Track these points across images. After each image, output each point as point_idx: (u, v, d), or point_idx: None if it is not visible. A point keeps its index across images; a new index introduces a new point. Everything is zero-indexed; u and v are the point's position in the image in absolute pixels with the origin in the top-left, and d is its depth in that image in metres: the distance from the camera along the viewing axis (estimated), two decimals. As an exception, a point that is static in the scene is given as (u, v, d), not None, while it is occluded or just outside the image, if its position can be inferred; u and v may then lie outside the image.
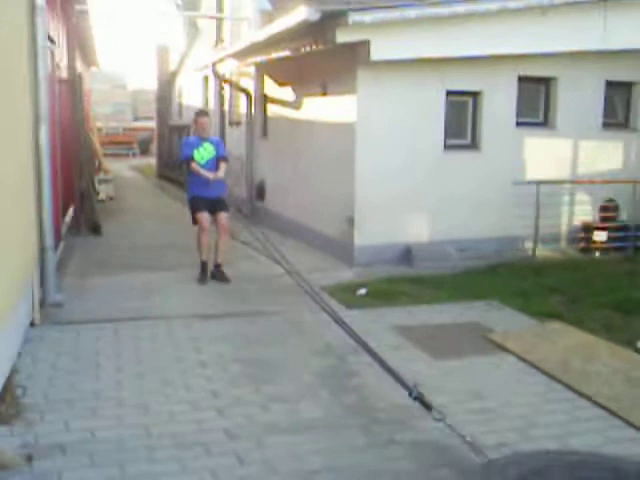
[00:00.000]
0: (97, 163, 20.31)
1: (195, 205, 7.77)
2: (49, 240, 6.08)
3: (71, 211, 11.28)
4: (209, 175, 7.59)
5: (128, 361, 4.98)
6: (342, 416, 4.14)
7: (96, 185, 15.89)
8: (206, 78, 16.06)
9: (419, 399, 3.85)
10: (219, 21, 14.91)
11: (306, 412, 4.17)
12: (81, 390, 4.40)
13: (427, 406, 3.81)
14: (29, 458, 3.47)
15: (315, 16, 7.04)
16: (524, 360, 5.18)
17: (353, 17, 7.11)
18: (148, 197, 16.73)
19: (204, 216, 7.68)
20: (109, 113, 28.77)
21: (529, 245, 9.02)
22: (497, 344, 5.55)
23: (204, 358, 5.06)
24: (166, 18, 24.91)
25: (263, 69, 11.55)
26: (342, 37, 7.45)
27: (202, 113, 8.25)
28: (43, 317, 5.90)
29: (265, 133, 11.83)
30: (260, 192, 11.98)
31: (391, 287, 7.35)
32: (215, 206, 7.76)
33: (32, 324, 5.75)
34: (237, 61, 11.63)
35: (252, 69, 12.09)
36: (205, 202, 7.70)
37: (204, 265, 7.74)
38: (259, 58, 10.21)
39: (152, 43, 28.87)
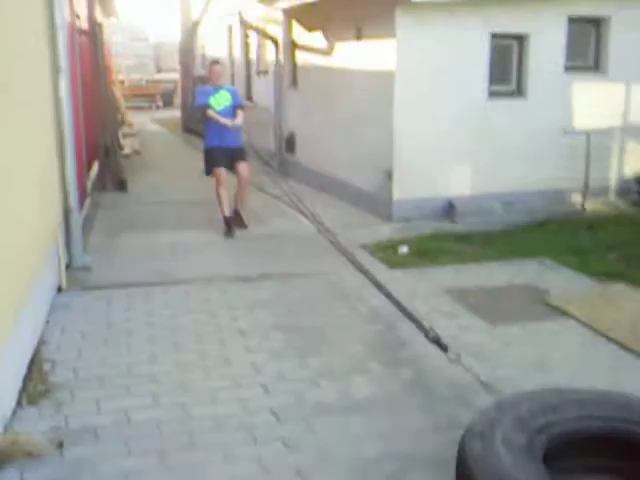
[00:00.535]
0: (120, 116, 19.98)
1: (211, 159, 7.67)
2: (74, 200, 5.72)
3: (96, 166, 10.93)
4: (227, 122, 7.47)
5: (161, 330, 4.64)
6: (398, 394, 3.77)
7: (120, 139, 15.54)
8: (230, 27, 15.43)
9: (435, 340, 3.97)
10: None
11: (358, 389, 3.80)
12: (113, 364, 4.07)
13: (443, 347, 3.92)
14: (60, 445, 3.15)
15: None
16: (589, 326, 4.75)
17: (394, -48, 6.53)
18: (174, 151, 16.29)
19: (221, 171, 7.59)
20: (131, 65, 28.18)
21: (577, 198, 8.51)
22: (557, 308, 5.12)
23: (243, 326, 4.71)
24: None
25: (291, 14, 10.94)
26: (381, -25, 6.88)
27: (215, 62, 8.21)
28: (70, 282, 5.57)
29: (294, 82, 11.29)
30: (290, 144, 11.50)
31: (435, 244, 6.93)
32: (233, 156, 7.63)
33: (59, 289, 5.43)
34: (264, 7, 11.06)
35: (279, 15, 11.49)
36: (222, 153, 7.59)
37: (227, 220, 7.61)
38: (288, 3, 9.64)
39: (173, -8, 28.07)
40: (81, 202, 8.18)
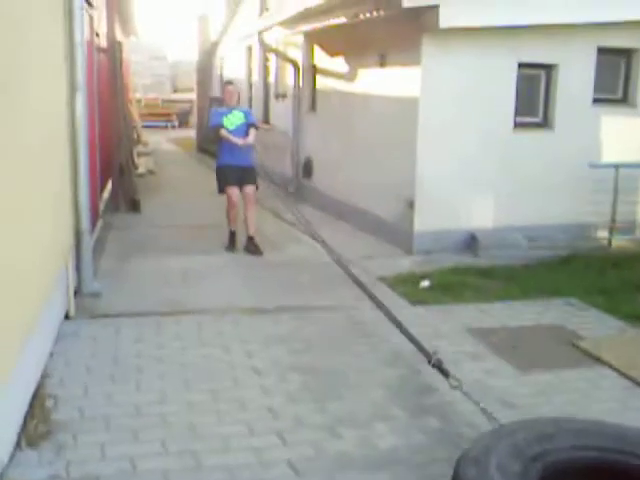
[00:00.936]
0: (136, 135, 19.92)
1: (224, 177, 7.84)
2: (86, 222, 5.52)
3: (109, 186, 10.77)
4: (238, 141, 7.64)
5: (172, 366, 4.39)
6: (425, 446, 3.50)
7: (135, 159, 15.43)
8: (249, 48, 15.36)
9: (437, 366, 3.92)
10: (264, -12, 14.15)
11: (382, 439, 3.53)
12: (120, 403, 3.82)
13: (445, 373, 3.87)
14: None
15: (381, -24, 6.29)
16: (626, 376, 4.47)
17: (423, -22, 6.35)
18: (188, 171, 16.15)
19: (234, 191, 7.76)
20: (148, 84, 28.26)
21: (603, 234, 8.23)
22: (589, 354, 4.84)
23: (258, 364, 4.45)
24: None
25: (313, 38, 10.81)
26: (409, 1, 6.71)
27: (228, 82, 8.60)
28: (79, 308, 5.35)
29: (313, 107, 11.12)
30: (307, 169, 11.31)
31: (457, 279, 6.65)
32: (244, 176, 7.80)
33: (67, 316, 5.20)
34: (285, 30, 10.94)
35: (300, 38, 11.36)
36: (234, 171, 7.74)
37: (233, 235, 7.88)
38: (310, 26, 9.51)
39: (192, 13, 28.20)
40: (93, 224, 8.01)
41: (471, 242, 7.78)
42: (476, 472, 2.62)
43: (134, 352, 4.58)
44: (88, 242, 5.54)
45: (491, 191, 7.88)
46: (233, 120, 7.78)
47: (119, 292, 5.96)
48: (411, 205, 7.70)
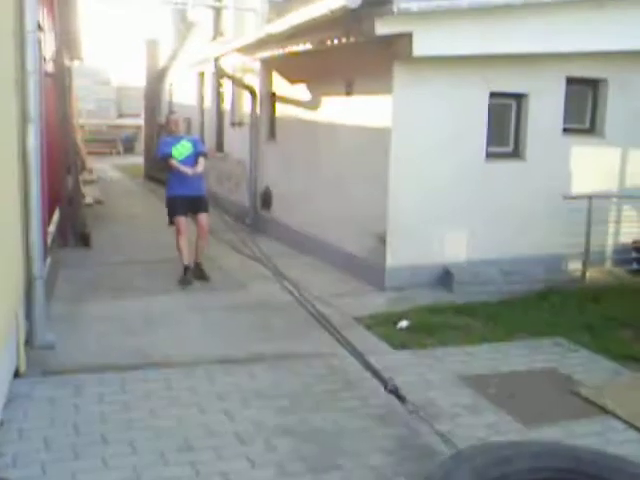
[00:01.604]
0: (80, 162, 19.17)
1: (173, 207, 7.77)
2: (38, 267, 4.97)
3: (56, 218, 10.13)
4: (188, 170, 7.58)
5: (143, 432, 3.89)
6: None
7: (81, 187, 14.73)
8: (202, 74, 14.93)
9: (394, 392, 4.08)
10: (217, 14, 13.79)
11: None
12: (86, 485, 3.31)
13: (401, 399, 4.04)
14: None
15: (356, 3, 5.98)
16: (635, 428, 4.17)
17: (399, 4, 6.06)
18: (137, 200, 15.52)
19: (181, 220, 7.71)
20: (92, 109, 27.42)
21: (576, 265, 8.06)
22: (592, 402, 4.54)
23: (239, 428, 3.98)
24: (152, 11, 23.66)
25: (271, 65, 10.46)
26: (382, 28, 6.40)
27: (172, 112, 9.19)
28: (30, 364, 4.78)
29: (273, 135, 10.74)
30: (266, 200, 10.89)
31: (437, 319, 6.32)
32: (195, 205, 7.75)
33: (16, 374, 4.64)
34: (243, 56, 10.55)
35: (257, 65, 11.00)
36: (184, 202, 7.70)
37: (186, 269, 7.64)
38: (270, 52, 9.14)
39: (139, 37, 27.58)
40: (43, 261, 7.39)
41: (445, 277, 7.48)
42: None
43: (98, 416, 4.05)
44: (41, 287, 4.98)
45: (464, 223, 7.61)
46: (182, 150, 7.72)
47: (75, 342, 5.41)
48: (382, 239, 7.36)
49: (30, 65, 4.58)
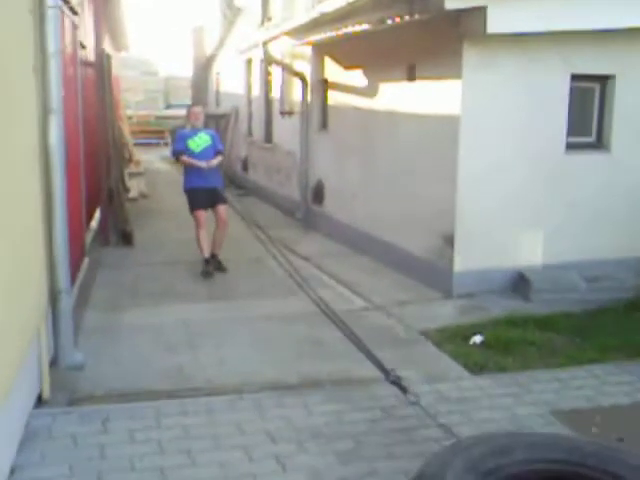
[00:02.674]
0: (127, 154, 18.80)
1: (192, 199, 7.75)
2: (64, 279, 4.36)
3: (98, 214, 9.64)
4: (202, 164, 7.56)
5: (179, 484, 3.24)
6: None
7: (126, 181, 14.29)
8: (249, 61, 14.29)
9: (396, 383, 4.10)
10: (266, -4, 13.10)
11: None
12: None
13: (403, 389, 4.06)
14: None
15: (425, -29, 5.21)
16: None
17: (473, -27, 5.27)
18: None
19: (201, 214, 7.70)
20: (140, 101, 27.13)
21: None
22: None
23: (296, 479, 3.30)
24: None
25: (323, 49, 9.73)
26: (452, 2, 5.62)
27: (195, 104, 8.93)
28: (55, 387, 4.20)
29: (325, 125, 10.02)
30: (318, 194, 10.19)
31: (514, 333, 5.53)
32: (213, 197, 7.72)
33: (40, 399, 4.06)
34: (292, 40, 9.85)
35: (308, 50, 10.29)
36: (202, 194, 7.65)
37: (207, 261, 7.64)
38: (323, 35, 8.40)
39: (185, 26, 27.20)
40: (78, 266, 6.87)
41: (519, 282, 6.67)
42: None
43: (127, 463, 3.40)
44: (67, 304, 4.39)
45: (541, 222, 6.78)
46: (199, 142, 7.69)
47: (107, 361, 4.81)
48: (449, 241, 6.59)
49: (51, 46, 3.95)
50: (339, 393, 4.32)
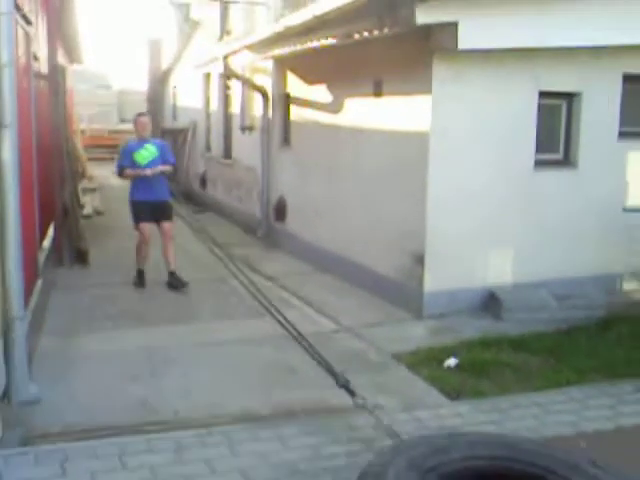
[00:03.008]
0: (80, 169, 18.30)
1: (137, 212, 7.55)
2: (17, 307, 4.04)
3: (51, 232, 9.24)
4: (146, 171, 7.32)
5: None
6: None
7: (80, 197, 13.83)
8: (207, 76, 14.04)
9: (345, 386, 4.24)
10: (224, 11, 12.90)
11: None
12: None
13: (351, 392, 4.21)
14: None
15: (397, -15, 5.08)
16: None
17: (446, -13, 5.16)
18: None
19: (146, 227, 7.50)
20: (93, 114, 26.53)
21: (631, 285, 7.14)
22: None
23: (273, 526, 3.07)
24: (154, 13, 22.79)
25: (286, 64, 9.55)
26: (424, 17, 5.50)
27: (142, 114, 8.19)
28: (7, 425, 3.87)
29: (287, 141, 9.83)
30: (280, 211, 9.97)
31: (489, 355, 5.40)
32: (159, 212, 7.52)
33: (-10, 439, 3.73)
34: (253, 54, 9.65)
35: (270, 64, 10.11)
36: (148, 207, 7.43)
37: (141, 273, 7.64)
38: (286, 49, 8.22)
39: (141, 39, 26.77)
40: (30, 288, 6.51)
41: (490, 302, 6.56)
42: None
43: (89, 510, 3.13)
44: (21, 331, 4.07)
45: (511, 240, 6.70)
46: (146, 155, 7.47)
47: (65, 392, 4.49)
48: (419, 260, 6.45)
49: (4, 56, 3.67)
50: (314, 423, 4.10)
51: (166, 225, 7.55)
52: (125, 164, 7.49)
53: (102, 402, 4.37)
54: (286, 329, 5.96)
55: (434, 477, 2.91)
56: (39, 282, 7.26)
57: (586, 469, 3.03)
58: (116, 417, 4.14)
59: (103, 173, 20.65)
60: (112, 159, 25.63)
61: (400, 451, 3.07)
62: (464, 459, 3.05)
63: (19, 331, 4.05)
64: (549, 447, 3.26)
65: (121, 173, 7.60)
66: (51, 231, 9.21)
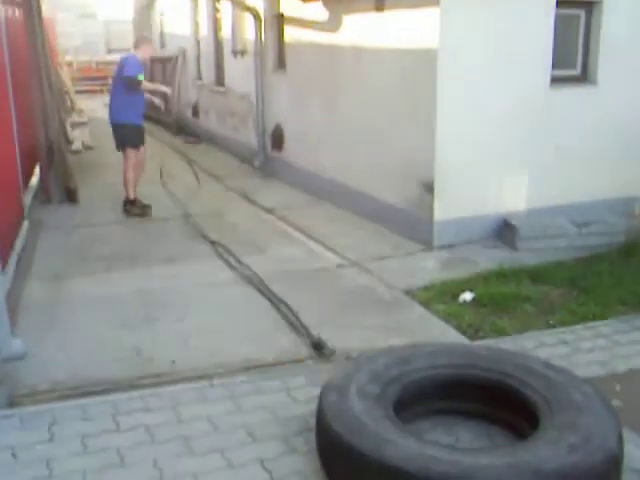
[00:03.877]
0: (69, 102, 17.64)
1: (141, 135, 7.68)
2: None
3: (37, 170, 8.79)
4: (166, 89, 8.27)
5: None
6: None
7: (68, 132, 13.29)
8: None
9: (317, 345, 4.02)
10: None
11: None
12: None
13: (325, 351, 3.97)
14: None
15: None
16: None
17: None
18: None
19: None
20: (79, 45, 25.58)
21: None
22: None
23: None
24: None
25: (278, -20, 8.89)
26: None
27: (149, 39, 8.34)
28: (-9, 385, 3.54)
29: (282, 65, 9.24)
30: (277, 140, 9.47)
31: (507, 288, 5.05)
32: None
33: (-29, 401, 3.41)
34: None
35: (260, -17, 9.43)
36: (142, 131, 7.79)
37: (140, 202, 7.65)
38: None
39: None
40: (16, 230, 6.15)
41: (504, 230, 6.18)
42: (337, 398, 2.82)
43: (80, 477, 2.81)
44: (1, 285, 3.69)
45: (525, 164, 6.26)
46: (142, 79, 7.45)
47: (52, 345, 4.15)
48: (428, 188, 6.03)
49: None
50: (326, 370, 3.76)
51: (142, 149, 7.75)
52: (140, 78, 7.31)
53: (92, 354, 4.03)
54: (287, 267, 5.66)
55: (397, 387, 2.98)
56: (25, 223, 6.89)
57: (540, 370, 3.13)
58: (109, 370, 3.80)
59: (92, 106, 19.95)
60: (101, 91, 24.97)
61: (362, 364, 3.12)
62: (425, 368, 3.14)
63: (-2, 284, 3.66)
64: (507, 352, 3.42)
65: (139, 83, 7.29)
66: (37, 170, 8.77)
